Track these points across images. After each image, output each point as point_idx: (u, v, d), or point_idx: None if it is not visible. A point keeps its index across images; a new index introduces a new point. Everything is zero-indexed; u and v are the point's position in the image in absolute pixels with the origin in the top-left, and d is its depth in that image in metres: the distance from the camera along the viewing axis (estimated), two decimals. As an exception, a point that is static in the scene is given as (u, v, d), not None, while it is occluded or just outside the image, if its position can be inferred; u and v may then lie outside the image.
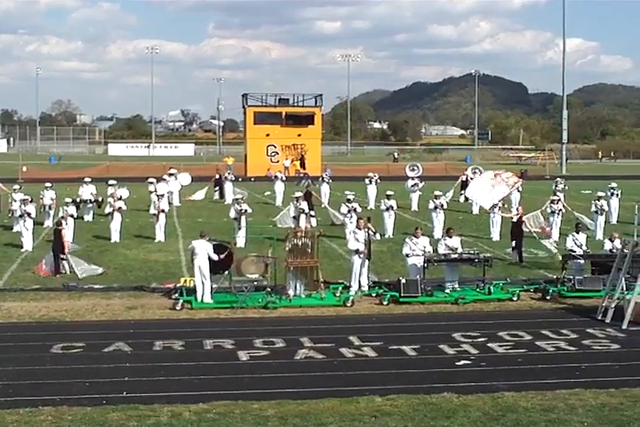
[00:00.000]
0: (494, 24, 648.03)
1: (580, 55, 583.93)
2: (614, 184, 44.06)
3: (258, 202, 51.51)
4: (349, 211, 34.82)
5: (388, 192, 38.57)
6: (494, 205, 36.93)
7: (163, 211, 36.80)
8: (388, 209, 37.59)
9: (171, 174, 52.45)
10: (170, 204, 44.94)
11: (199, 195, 56.33)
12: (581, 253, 26.00)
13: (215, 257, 23.42)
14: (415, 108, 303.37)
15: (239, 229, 33.56)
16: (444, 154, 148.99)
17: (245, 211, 34.16)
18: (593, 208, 38.08)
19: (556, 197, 38.79)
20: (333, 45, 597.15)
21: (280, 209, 44.34)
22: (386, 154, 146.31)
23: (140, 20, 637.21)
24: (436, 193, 38.43)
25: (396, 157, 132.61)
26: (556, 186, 45.50)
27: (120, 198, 37.57)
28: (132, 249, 33.54)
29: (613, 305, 21.86)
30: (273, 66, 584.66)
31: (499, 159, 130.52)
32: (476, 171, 55.70)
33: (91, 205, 43.12)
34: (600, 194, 39.15)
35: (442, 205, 37.67)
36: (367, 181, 50.85)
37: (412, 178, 52.06)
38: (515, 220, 30.97)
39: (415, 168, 56.91)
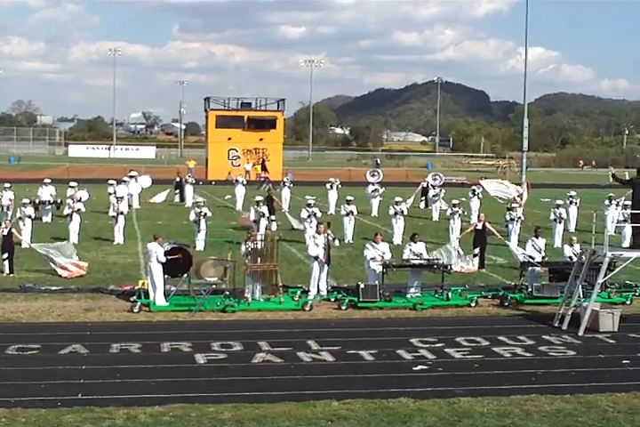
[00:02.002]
0: (458, 32, 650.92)
1: (542, 64, 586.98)
2: (573, 193, 44.36)
3: (218, 205, 51.40)
4: (309, 215, 34.85)
5: (349, 197, 38.64)
6: (454, 212, 37.15)
7: (122, 213, 36.59)
8: (348, 214, 37.63)
9: (131, 176, 52.24)
10: (129, 206, 44.70)
11: (160, 197, 56.14)
12: (540, 258, 26.13)
13: (162, 259, 23.29)
14: (377, 114, 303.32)
15: (199, 232, 33.50)
16: (405, 160, 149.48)
17: (205, 214, 34.08)
18: (552, 216, 38.31)
19: (515, 205, 39.01)
20: (298, 50, 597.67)
21: (240, 213, 44.32)
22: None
23: (103, 22, 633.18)
24: (397, 199, 38.52)
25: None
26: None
27: (79, 200, 37.34)
28: (90, 251, 33.32)
29: (570, 312, 22.01)
30: (237, 70, 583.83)
31: (459, 166, 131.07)
32: (437, 177, 55.99)
33: (49, 206, 42.84)
34: (559, 202, 39.39)
35: (402, 212, 37.75)
36: (328, 186, 50.90)
37: (373, 184, 52.17)
38: (479, 227, 31.09)
39: (376, 174, 57.04)
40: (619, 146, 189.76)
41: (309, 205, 35.38)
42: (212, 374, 17.13)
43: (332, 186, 50.64)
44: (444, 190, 50.99)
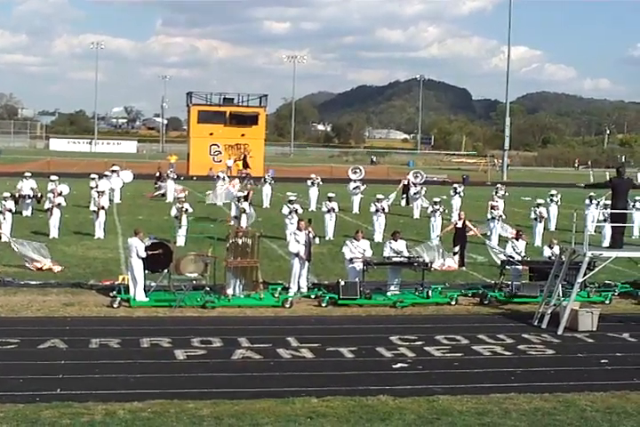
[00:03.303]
0: (442, 29, 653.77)
1: (525, 63, 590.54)
2: (554, 191, 44.48)
3: (199, 201, 51.30)
4: (291, 212, 34.81)
5: (330, 194, 38.66)
6: (435, 210, 37.20)
7: (103, 208, 36.47)
8: (329, 211, 37.63)
9: (113, 171, 52.11)
10: (110, 201, 44.61)
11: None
12: (520, 259, 26.19)
13: (143, 254, 23.23)
14: (359, 111, 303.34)
15: (180, 227, 33.42)
16: (386, 157, 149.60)
17: (187, 210, 34.01)
18: (532, 215, 38.41)
19: (495, 203, 39.10)
20: (281, 46, 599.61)
21: (222, 209, 44.27)
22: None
23: (87, 15, 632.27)
24: (378, 196, 38.51)
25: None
26: (496, 192, 45.84)
27: (60, 194, 37.24)
28: (70, 245, 33.24)
29: (549, 311, 22.08)
30: (220, 65, 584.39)
31: (441, 164, 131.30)
32: (418, 175, 56.02)
33: (30, 200, 42.66)
34: (539, 201, 39.45)
35: (383, 209, 37.75)
36: (309, 182, 50.94)
37: (355, 181, 52.17)
38: (459, 225, 31.12)
39: (357, 171, 57.02)
40: (600, 146, 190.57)
41: (291, 202, 35.34)
42: (192, 370, 17.10)
43: (313, 183, 50.67)
44: (424, 188, 51.04)
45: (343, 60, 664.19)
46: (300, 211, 35.35)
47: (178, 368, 17.30)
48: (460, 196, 46.97)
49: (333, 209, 37.71)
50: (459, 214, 33.49)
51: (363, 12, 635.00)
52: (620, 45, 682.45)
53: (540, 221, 38.25)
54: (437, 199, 38.31)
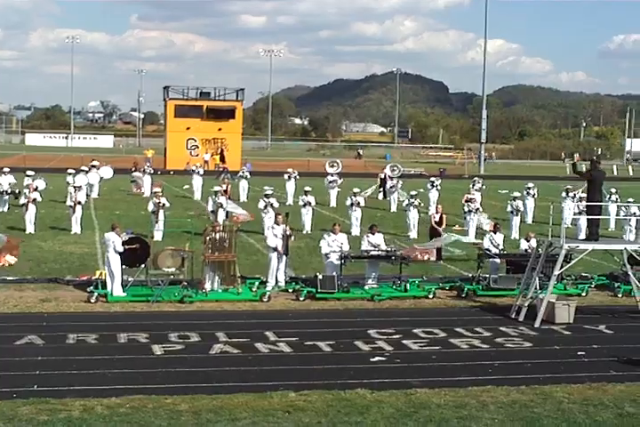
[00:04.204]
0: (419, 23, 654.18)
1: (501, 56, 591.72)
2: (531, 184, 44.61)
3: (176, 195, 51.20)
4: (266, 206, 34.74)
5: (306, 188, 38.60)
6: (411, 203, 37.24)
7: (79, 203, 36.32)
8: (305, 205, 37.59)
9: (93, 166, 51.93)
10: (87, 196, 44.45)
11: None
12: (497, 252, 26.24)
13: (120, 249, 23.16)
14: (336, 104, 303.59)
15: (157, 222, 33.34)
16: (363, 151, 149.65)
17: (164, 204, 33.95)
18: (509, 208, 38.48)
19: (471, 196, 39.17)
20: (258, 40, 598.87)
21: (199, 203, 44.17)
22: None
23: (62, 9, 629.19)
24: (355, 190, 38.52)
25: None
26: (473, 185, 45.92)
27: (35, 189, 37.07)
28: (47, 241, 33.11)
29: (526, 304, 22.15)
30: (196, 59, 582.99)
31: (418, 157, 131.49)
32: (395, 169, 56.01)
33: (7, 196, 42.42)
34: (516, 194, 39.52)
35: (359, 203, 37.76)
36: (286, 176, 50.82)
37: (332, 174, 52.15)
38: (437, 218, 31.17)
39: (335, 164, 56.99)
40: (576, 138, 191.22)
41: (267, 196, 35.27)
42: (170, 366, 17.06)
43: (289, 177, 50.57)
44: (401, 182, 51.04)
45: (320, 53, 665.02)
46: (277, 205, 35.29)
47: (155, 363, 17.27)
48: (437, 189, 47.08)
49: (310, 203, 37.66)
50: (436, 208, 33.57)
51: (339, 6, 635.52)
52: (596, 39, 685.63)
53: (517, 215, 38.33)
54: (414, 193, 38.33)
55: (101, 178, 52.56)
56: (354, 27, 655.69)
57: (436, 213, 31.56)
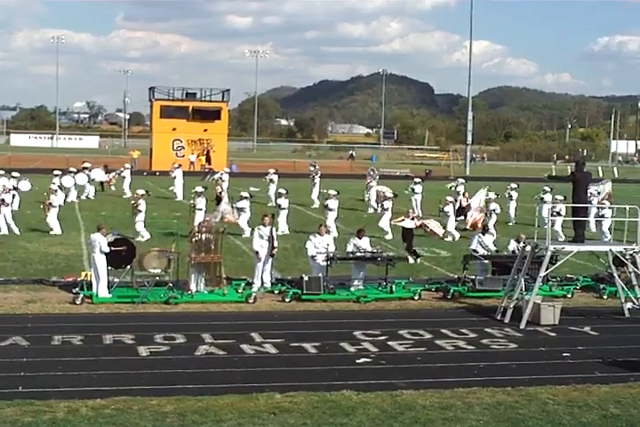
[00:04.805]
0: (405, 24, 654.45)
1: (487, 58, 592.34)
2: (514, 185, 44.72)
3: (163, 196, 51.13)
4: (242, 208, 35.09)
5: (281, 190, 38.45)
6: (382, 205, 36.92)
7: (50, 204, 36.17)
8: (277, 207, 37.40)
9: (84, 168, 51.83)
10: (78, 197, 44.57)
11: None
12: (484, 253, 26.24)
13: (106, 249, 23.11)
14: (322, 105, 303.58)
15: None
16: (349, 152, 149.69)
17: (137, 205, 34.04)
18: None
19: (450, 198, 38.94)
20: (243, 41, 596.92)
21: (182, 203, 44.12)
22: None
23: (47, 9, 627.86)
24: (330, 192, 38.21)
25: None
26: (456, 187, 45.72)
27: (9, 191, 36.92)
28: (32, 242, 33.02)
29: (512, 305, 22.18)
30: (182, 59, 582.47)
31: (404, 159, 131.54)
32: (371, 172, 55.81)
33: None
34: (491, 196, 38.83)
35: (326, 206, 37.41)
36: (267, 179, 50.54)
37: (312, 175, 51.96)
38: (410, 225, 30.72)
39: (313, 164, 56.90)
40: (561, 140, 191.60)
41: (244, 197, 35.59)
42: (155, 367, 17.05)
43: (272, 180, 50.18)
44: (374, 183, 50.50)
45: (305, 54, 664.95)
46: (248, 206, 35.49)
47: (141, 365, 17.24)
48: (417, 193, 46.19)
49: (280, 205, 37.41)
50: (408, 212, 33.10)
51: (325, 7, 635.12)
52: (581, 40, 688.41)
53: (491, 216, 37.70)
54: (389, 194, 38.02)
55: (93, 179, 52.41)
56: (340, 27, 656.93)
57: (411, 219, 30.91)
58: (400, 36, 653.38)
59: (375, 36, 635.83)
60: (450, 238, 35.49)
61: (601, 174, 79.46)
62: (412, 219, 30.98)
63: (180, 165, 57.41)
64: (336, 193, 38.64)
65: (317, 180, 50.63)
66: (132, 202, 33.78)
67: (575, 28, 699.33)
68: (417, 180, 48.09)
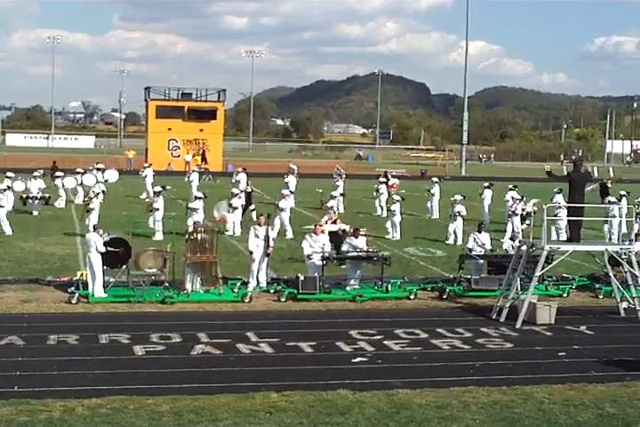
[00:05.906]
0: (401, 25, 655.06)
1: (483, 58, 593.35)
2: (510, 186, 44.67)
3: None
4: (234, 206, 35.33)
5: (283, 191, 38.55)
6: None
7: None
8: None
9: (98, 169, 51.74)
10: (91, 198, 44.48)
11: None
12: (481, 252, 26.21)
13: (102, 249, 23.09)
14: (318, 105, 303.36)
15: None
16: (344, 152, 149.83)
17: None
18: (450, 212, 37.01)
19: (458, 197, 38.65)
20: (240, 41, 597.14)
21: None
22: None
23: (44, 9, 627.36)
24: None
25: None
26: (430, 189, 44.98)
27: (4, 191, 36.91)
28: (27, 241, 32.99)
29: (508, 305, 22.18)
30: (178, 60, 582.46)
31: (400, 159, 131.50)
32: (337, 171, 55.93)
33: (37, 201, 42.48)
34: (457, 197, 36.69)
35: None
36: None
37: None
38: (333, 228, 29.75)
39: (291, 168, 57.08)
40: (557, 140, 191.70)
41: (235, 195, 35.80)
42: (151, 366, 17.04)
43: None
44: (341, 182, 50.44)
45: (302, 54, 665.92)
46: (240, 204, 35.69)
47: (137, 364, 17.23)
48: (434, 194, 45.68)
49: (279, 206, 37.35)
50: (330, 213, 32.98)
51: (322, 7, 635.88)
52: (578, 41, 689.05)
53: (454, 220, 35.95)
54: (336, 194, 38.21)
55: (106, 180, 52.18)
56: (337, 28, 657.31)
57: (333, 222, 30.42)
58: (396, 37, 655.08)
59: (372, 36, 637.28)
60: (451, 240, 35.20)
61: (596, 175, 79.42)
62: (335, 222, 30.39)
63: (150, 165, 57.41)
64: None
65: (340, 182, 50.24)
66: (85, 201, 33.83)
67: (571, 28, 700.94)
68: (435, 179, 46.52)
